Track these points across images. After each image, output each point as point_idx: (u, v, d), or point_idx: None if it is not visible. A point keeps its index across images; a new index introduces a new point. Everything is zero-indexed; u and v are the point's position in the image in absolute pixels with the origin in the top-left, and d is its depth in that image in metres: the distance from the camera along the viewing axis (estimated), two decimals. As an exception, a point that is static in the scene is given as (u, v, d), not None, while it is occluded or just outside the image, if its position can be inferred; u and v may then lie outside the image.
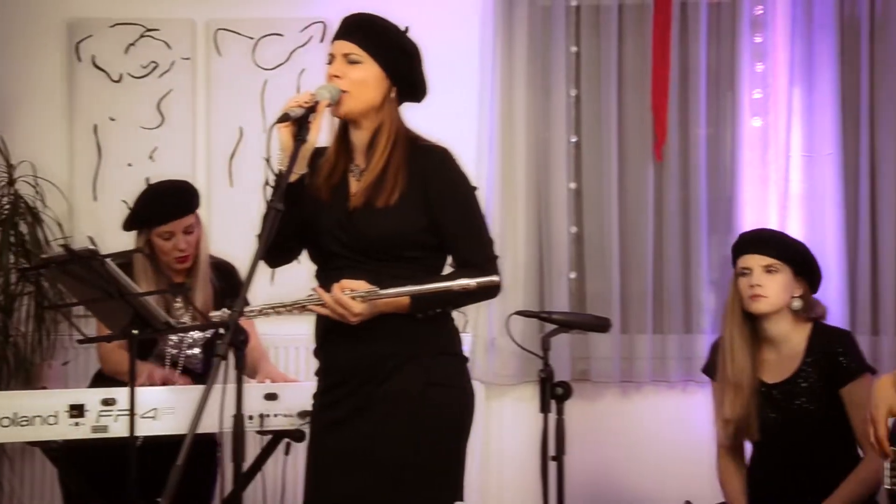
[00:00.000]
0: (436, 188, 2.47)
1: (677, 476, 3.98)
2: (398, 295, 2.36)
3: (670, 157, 4.22)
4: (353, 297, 2.34)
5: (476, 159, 4.28)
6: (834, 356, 2.95)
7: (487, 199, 4.23)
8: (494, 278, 2.36)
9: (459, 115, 4.32)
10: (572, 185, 4.30)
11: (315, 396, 2.55)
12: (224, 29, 4.35)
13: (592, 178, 4.29)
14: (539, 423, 3.06)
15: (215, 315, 2.40)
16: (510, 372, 4.20)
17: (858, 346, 3.01)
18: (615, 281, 4.22)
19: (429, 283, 2.37)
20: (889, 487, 2.51)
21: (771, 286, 2.97)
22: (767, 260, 2.99)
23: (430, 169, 2.48)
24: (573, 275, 4.31)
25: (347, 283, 2.35)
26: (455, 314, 4.30)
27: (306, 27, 4.33)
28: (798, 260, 3.03)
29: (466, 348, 4.19)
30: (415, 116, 4.38)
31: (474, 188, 2.55)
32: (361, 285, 2.35)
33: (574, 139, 4.31)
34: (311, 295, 2.39)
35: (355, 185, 2.50)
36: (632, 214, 4.26)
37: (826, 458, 2.95)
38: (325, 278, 2.43)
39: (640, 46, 4.25)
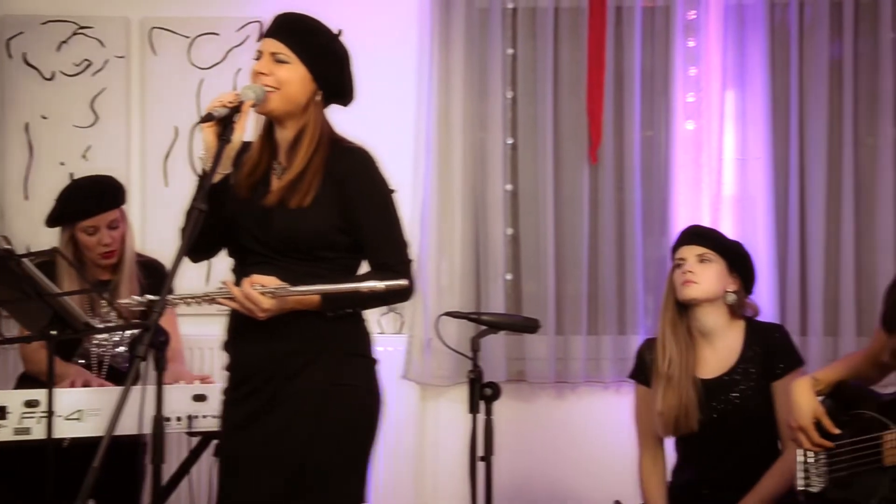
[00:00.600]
0: (353, 189, 2.49)
1: (610, 475, 4.00)
2: (307, 293, 2.37)
3: (605, 159, 4.26)
4: (263, 293, 2.35)
5: (413, 161, 4.30)
6: (769, 350, 3.01)
7: (424, 201, 4.25)
8: (403, 282, 2.37)
9: (397, 116, 4.33)
10: (508, 187, 4.32)
11: (224, 392, 2.55)
12: (159, 27, 4.31)
13: (528, 180, 4.31)
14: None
15: (131, 302, 2.38)
16: (445, 373, 4.21)
17: (792, 341, 3.07)
18: (550, 282, 4.24)
19: (339, 282, 2.38)
20: (802, 488, 2.56)
21: (703, 274, 3.02)
22: (701, 249, 3.05)
23: (349, 170, 2.50)
24: (509, 276, 4.33)
25: (257, 279, 2.37)
26: (391, 315, 4.34)
27: (243, 27, 4.31)
28: (732, 254, 3.08)
29: (402, 349, 4.24)
30: (353, 118, 4.36)
31: (392, 191, 2.57)
32: (271, 281, 2.36)
33: (510, 141, 4.34)
34: (221, 288, 2.39)
35: (276, 184, 2.50)
36: (567, 216, 4.29)
37: (756, 451, 2.99)
38: (241, 274, 2.44)
39: (575, 50, 4.28)
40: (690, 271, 3.02)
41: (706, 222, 4.17)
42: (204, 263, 2.61)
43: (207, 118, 2.37)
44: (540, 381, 4.27)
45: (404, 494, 4.20)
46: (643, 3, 4.24)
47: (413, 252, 2.60)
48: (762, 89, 4.20)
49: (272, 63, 2.48)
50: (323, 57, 2.52)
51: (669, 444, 3.19)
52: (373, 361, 2.56)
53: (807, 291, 4.18)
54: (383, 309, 4.26)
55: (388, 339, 4.25)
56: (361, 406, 2.49)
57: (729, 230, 4.18)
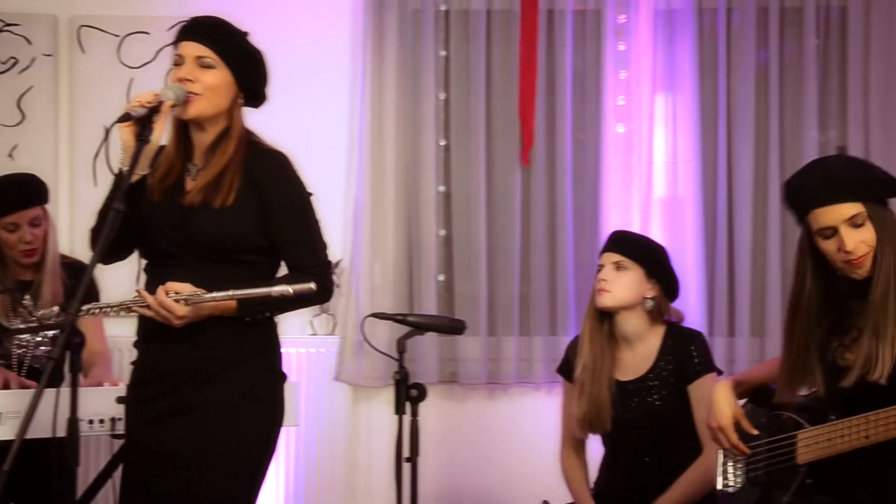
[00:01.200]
0: (271, 191, 2.49)
1: (540, 476, 3.99)
2: (220, 299, 2.36)
3: (537, 161, 4.29)
4: (177, 300, 2.33)
5: (346, 162, 4.30)
6: (685, 355, 3.04)
7: (357, 203, 4.25)
8: (311, 285, 2.36)
9: (330, 118, 4.34)
10: (441, 189, 4.34)
11: (128, 387, 2.53)
12: (88, 26, 4.27)
13: (461, 182, 4.33)
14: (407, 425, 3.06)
15: (50, 312, 2.36)
16: (377, 374, 4.21)
17: (708, 347, 3.10)
18: (482, 283, 4.26)
19: (252, 287, 2.38)
20: (721, 488, 2.60)
21: (617, 282, 3.05)
22: (617, 257, 3.08)
23: (267, 172, 2.50)
24: (441, 277, 4.34)
25: (172, 286, 2.35)
26: (323, 317, 4.32)
27: (173, 26, 4.19)
28: (649, 261, 3.10)
29: (334, 350, 4.22)
30: (286, 119, 4.38)
31: (310, 194, 2.58)
32: (185, 288, 2.35)
33: (443, 143, 4.35)
34: (137, 297, 2.38)
35: (190, 185, 2.49)
36: (499, 218, 4.31)
37: (675, 453, 3.02)
38: (154, 276, 2.44)
39: (508, 52, 4.31)
40: (605, 279, 3.06)
41: (636, 224, 4.22)
42: (135, 268, 2.59)
43: (125, 118, 2.36)
44: (472, 382, 4.29)
45: (337, 496, 4.19)
46: (574, 6, 4.28)
47: (332, 254, 2.60)
48: (691, 93, 4.26)
49: (197, 68, 2.46)
50: (245, 60, 2.53)
51: (594, 442, 3.22)
52: (282, 376, 2.58)
53: (735, 292, 4.24)
54: (315, 310, 4.26)
55: (320, 340, 4.25)
56: (266, 422, 2.50)
57: (658, 232, 4.24)
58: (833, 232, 2.26)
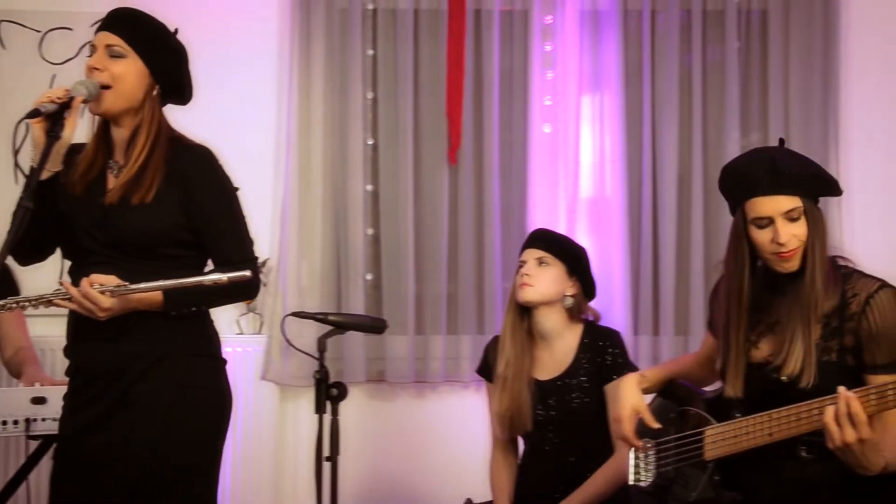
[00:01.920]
0: (197, 186, 2.47)
1: (467, 474, 4.03)
2: (149, 290, 2.34)
3: (465, 160, 4.30)
4: (102, 292, 2.30)
5: (274, 161, 4.28)
6: (602, 354, 3.07)
7: (284, 201, 4.23)
8: (246, 273, 2.35)
9: (257, 116, 4.31)
10: (369, 188, 4.33)
11: (64, 398, 2.49)
12: (8, 21, 4.20)
13: (389, 181, 4.33)
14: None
15: None
16: (304, 374, 4.18)
17: (624, 346, 3.14)
18: (410, 282, 4.27)
19: (181, 278, 2.35)
20: (633, 483, 2.63)
21: (539, 277, 3.08)
22: (540, 253, 3.11)
23: (191, 167, 2.48)
24: (369, 276, 4.34)
25: (96, 278, 2.32)
26: (250, 316, 4.29)
27: (97, 21, 4.17)
28: (570, 258, 3.14)
29: (261, 349, 4.20)
30: (213, 118, 4.33)
31: (236, 189, 2.55)
32: (111, 280, 2.33)
33: (371, 142, 4.35)
34: (59, 289, 2.34)
35: (113, 182, 2.46)
36: (427, 217, 4.32)
37: (593, 452, 3.05)
38: (78, 276, 2.39)
39: (435, 51, 4.32)
40: (527, 274, 3.08)
41: (562, 224, 4.25)
42: (57, 264, 2.55)
43: (34, 114, 2.32)
44: (400, 380, 4.29)
45: (264, 495, 4.16)
46: (501, 6, 4.29)
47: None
48: (617, 93, 4.30)
49: (107, 58, 2.44)
50: (160, 51, 2.49)
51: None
52: (221, 362, 2.54)
53: (659, 291, 4.30)
54: (242, 309, 4.24)
55: (248, 339, 4.22)
56: (209, 408, 2.47)
57: (584, 232, 4.29)
58: (769, 222, 2.29)
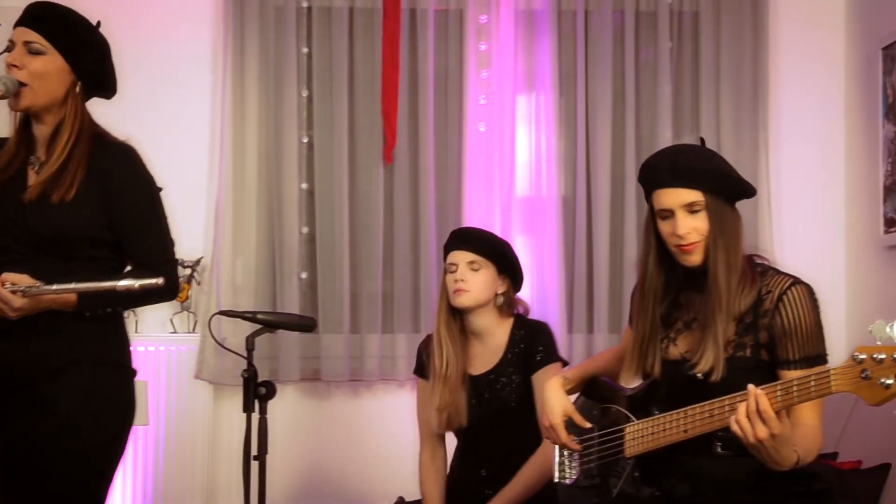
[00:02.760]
0: (119, 185, 2.45)
1: (401, 472, 4.05)
2: (62, 291, 2.32)
3: (400, 159, 4.31)
4: (14, 291, 2.28)
5: (208, 159, 4.26)
6: (530, 346, 3.10)
7: (218, 199, 4.21)
8: (158, 280, 2.33)
9: (191, 114, 4.29)
10: (304, 186, 4.32)
11: None
12: (-66, 15, 4.12)
13: (324, 179, 4.32)
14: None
15: None
16: (238, 372, 4.09)
17: (553, 338, 3.16)
18: (345, 281, 4.26)
19: (95, 281, 2.33)
20: (558, 480, 2.66)
21: (473, 281, 3.09)
22: (471, 256, 3.11)
23: (113, 166, 2.46)
24: (304, 275, 4.33)
25: (8, 276, 2.30)
26: (183, 315, 4.26)
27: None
28: (500, 258, 3.16)
29: (194, 348, 4.17)
30: (146, 115, 4.31)
31: (159, 189, 2.53)
32: (24, 279, 2.31)
33: (306, 140, 4.34)
34: None
35: (33, 178, 2.44)
36: (362, 215, 4.32)
37: (525, 445, 3.07)
38: None
39: (370, 50, 4.32)
40: (462, 279, 3.09)
41: (497, 222, 4.27)
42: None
43: None
44: (335, 379, 4.29)
45: (197, 494, 4.14)
46: (436, 5, 4.31)
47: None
48: (551, 93, 4.33)
49: (25, 54, 2.41)
50: (81, 46, 2.47)
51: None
52: (130, 371, 2.54)
53: (593, 289, 4.33)
54: (176, 307, 4.21)
55: (181, 338, 4.20)
56: (114, 417, 2.46)
57: (519, 231, 4.31)
58: (671, 214, 2.33)
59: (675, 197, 2.32)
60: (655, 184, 2.36)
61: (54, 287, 2.31)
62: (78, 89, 2.47)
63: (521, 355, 3.11)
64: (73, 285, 2.32)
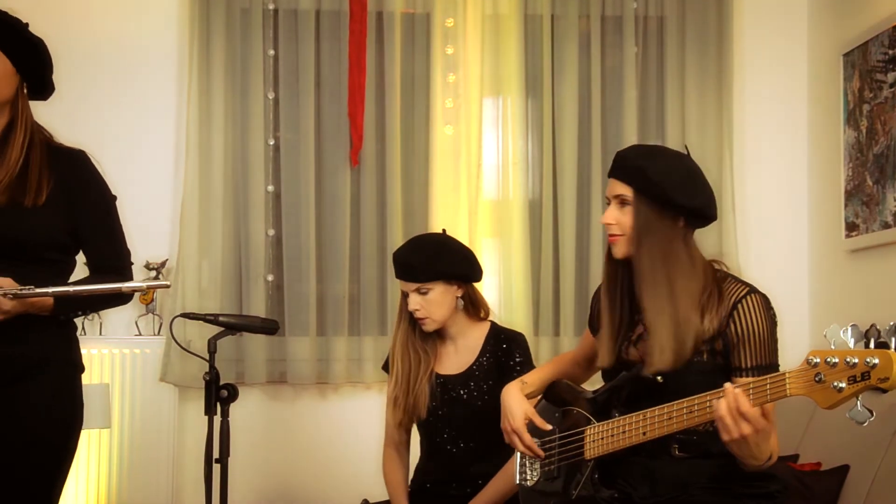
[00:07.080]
0: (80, 191, 2.47)
1: (366, 474, 4.05)
2: (56, 294, 2.35)
3: (366, 162, 4.31)
4: (4, 294, 2.30)
5: (174, 161, 4.25)
6: (505, 354, 3.11)
7: (184, 201, 4.19)
8: (166, 283, 2.43)
9: (156, 116, 4.28)
10: (270, 188, 4.32)
11: None
12: None
13: (290, 181, 4.31)
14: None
15: None
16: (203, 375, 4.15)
17: (528, 347, 3.16)
18: (312, 283, 4.26)
19: (88, 284, 2.38)
20: (519, 482, 2.67)
21: (429, 307, 3.06)
22: (415, 285, 3.06)
23: (71, 171, 2.48)
24: (271, 277, 4.32)
25: None
26: (149, 317, 4.24)
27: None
28: (442, 273, 3.08)
29: (160, 351, 4.16)
30: (112, 117, 4.28)
31: (114, 196, 2.58)
32: (6, 282, 2.32)
33: (272, 142, 4.33)
34: None
35: None
36: (329, 218, 4.31)
37: (492, 447, 3.05)
38: None
39: (337, 53, 4.32)
40: (417, 308, 3.06)
41: (464, 226, 4.28)
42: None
43: None
44: (301, 382, 4.28)
45: (163, 499, 4.12)
46: (402, 9, 4.31)
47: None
48: (518, 97, 4.34)
49: None
50: (24, 48, 2.48)
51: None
52: (81, 369, 2.57)
53: (559, 292, 4.35)
54: (141, 310, 4.19)
55: (146, 341, 4.19)
56: (73, 422, 2.49)
57: (487, 233, 4.32)
58: (608, 203, 2.40)
59: (611, 186, 2.40)
60: (609, 172, 2.43)
61: (50, 290, 2.34)
62: (24, 90, 2.50)
63: (494, 363, 3.11)
64: (73, 288, 2.37)
